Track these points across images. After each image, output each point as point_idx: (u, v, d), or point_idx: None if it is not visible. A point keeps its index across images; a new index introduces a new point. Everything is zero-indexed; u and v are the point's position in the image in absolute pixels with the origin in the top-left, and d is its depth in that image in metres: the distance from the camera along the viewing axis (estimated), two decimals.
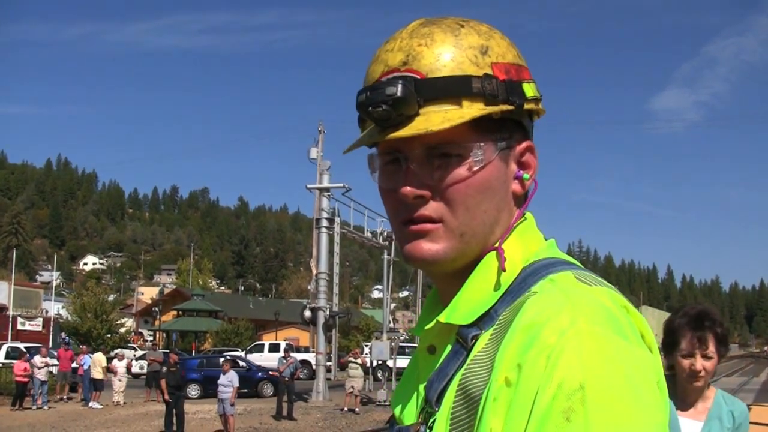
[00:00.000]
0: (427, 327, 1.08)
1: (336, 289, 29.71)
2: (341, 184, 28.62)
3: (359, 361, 24.24)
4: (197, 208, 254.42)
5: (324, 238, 28.06)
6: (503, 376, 0.90)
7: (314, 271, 28.61)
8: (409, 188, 1.03)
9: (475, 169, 1.03)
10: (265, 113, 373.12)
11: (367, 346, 37.75)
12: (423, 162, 1.04)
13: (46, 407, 23.86)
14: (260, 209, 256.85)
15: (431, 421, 1.01)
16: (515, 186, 1.09)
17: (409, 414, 1.11)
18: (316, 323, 27.86)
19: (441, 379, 1.02)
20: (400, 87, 1.00)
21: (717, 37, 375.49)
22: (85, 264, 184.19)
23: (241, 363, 31.07)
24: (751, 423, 2.96)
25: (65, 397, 26.47)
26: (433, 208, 1.04)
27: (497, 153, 1.05)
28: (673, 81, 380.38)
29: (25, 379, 23.82)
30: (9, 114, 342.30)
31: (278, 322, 60.63)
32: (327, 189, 28.23)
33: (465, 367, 0.99)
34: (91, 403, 24.38)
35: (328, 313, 27.68)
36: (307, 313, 27.95)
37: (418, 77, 1.02)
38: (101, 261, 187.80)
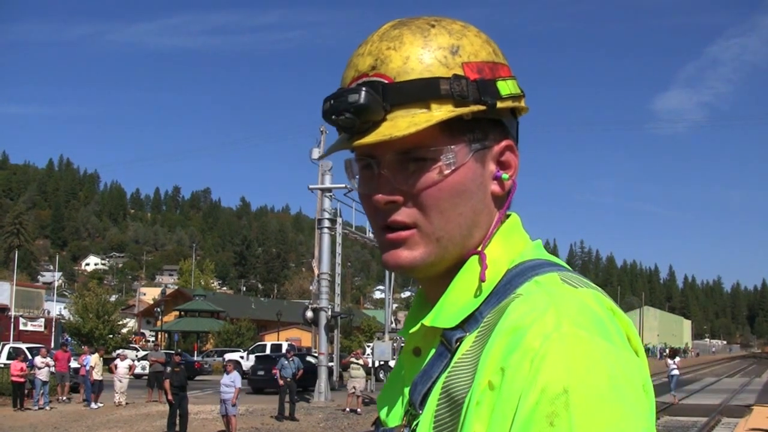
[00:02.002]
0: (412, 330, 1.08)
1: (338, 290, 29.72)
2: (343, 185, 28.55)
3: (361, 361, 24.24)
4: (199, 208, 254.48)
5: (326, 238, 28.08)
6: (486, 379, 0.89)
7: (316, 272, 28.64)
8: (380, 195, 1.02)
9: (446, 172, 1.01)
10: (266, 114, 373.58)
11: (369, 346, 37.79)
12: (395, 167, 1.02)
13: (47, 408, 23.87)
14: (262, 210, 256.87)
15: (415, 423, 1.00)
16: (494, 187, 1.07)
17: (395, 416, 1.10)
18: (318, 324, 27.87)
19: (425, 381, 1.01)
20: (362, 94, 0.98)
21: (720, 37, 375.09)
22: (87, 264, 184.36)
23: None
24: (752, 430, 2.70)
25: (66, 397, 26.48)
26: (406, 213, 1.02)
27: (471, 154, 1.03)
28: (676, 81, 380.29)
29: (21, 379, 23.79)
30: (11, 114, 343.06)
31: (280, 323, 60.63)
32: (329, 189, 28.25)
33: (449, 369, 0.98)
34: (92, 404, 24.40)
35: (330, 313, 27.70)
36: (309, 314, 27.96)
37: (386, 82, 1.00)
38: (103, 261, 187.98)
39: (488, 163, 1.06)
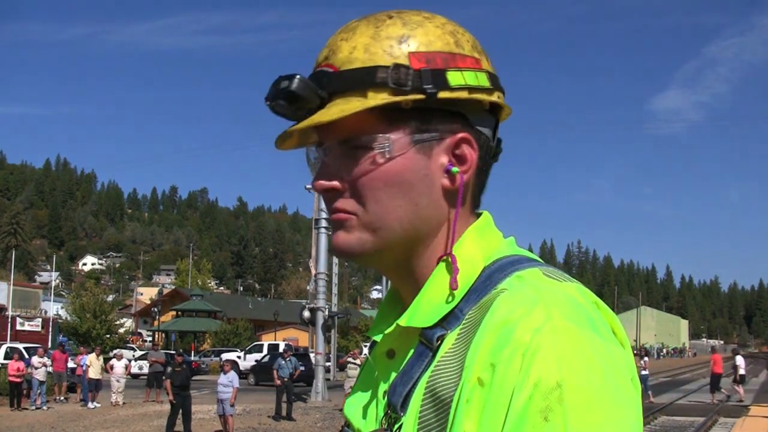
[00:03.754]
0: (387, 331, 1.04)
1: (335, 290, 29.77)
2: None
3: (358, 361, 24.20)
4: (196, 208, 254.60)
5: (323, 238, 28.07)
6: (476, 376, 0.87)
7: (313, 272, 28.62)
8: (319, 181, 1.03)
9: (380, 160, 0.99)
10: (264, 113, 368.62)
11: (365, 346, 37.76)
12: (338, 155, 1.02)
13: (44, 407, 23.84)
14: (259, 209, 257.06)
15: (396, 426, 0.97)
16: (444, 181, 1.02)
17: (368, 421, 1.07)
18: (315, 323, 27.85)
19: (405, 382, 0.98)
20: (294, 81, 0.99)
21: (718, 37, 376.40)
22: (84, 264, 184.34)
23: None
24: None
25: (63, 397, 26.46)
26: (346, 201, 1.02)
27: (413, 145, 1.00)
28: (674, 81, 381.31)
29: (18, 379, 23.74)
30: (8, 114, 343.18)
31: (277, 323, 60.63)
32: None
33: (432, 368, 0.95)
34: (89, 404, 24.37)
35: (327, 313, 27.68)
36: (306, 314, 27.94)
37: (332, 71, 1.01)
38: (100, 261, 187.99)
39: (437, 156, 1.01)
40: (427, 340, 0.98)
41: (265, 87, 0.98)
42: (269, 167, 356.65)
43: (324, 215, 28.03)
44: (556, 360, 0.83)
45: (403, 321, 1.01)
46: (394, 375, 1.02)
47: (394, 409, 0.98)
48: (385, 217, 1.00)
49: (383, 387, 1.04)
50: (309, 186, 28.50)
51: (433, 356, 0.97)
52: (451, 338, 0.96)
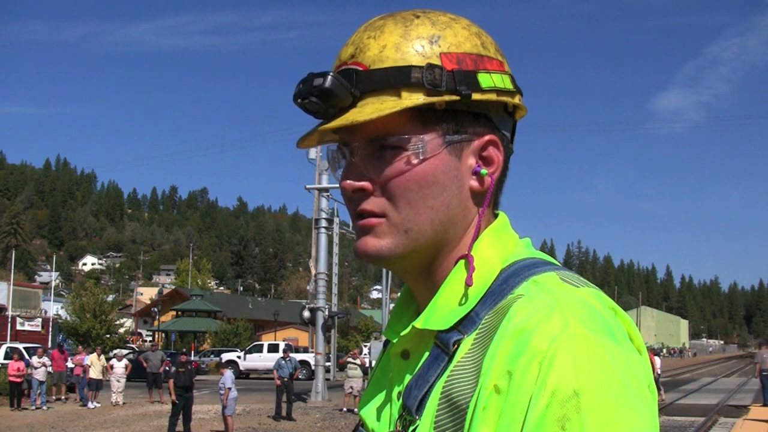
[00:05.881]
0: (403, 333, 1.03)
1: (335, 290, 29.72)
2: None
3: (358, 361, 24.21)
4: (196, 208, 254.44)
5: (323, 238, 28.07)
6: (492, 383, 0.87)
7: (313, 272, 28.61)
8: (348, 181, 1.01)
9: (414, 161, 0.98)
10: (264, 113, 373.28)
11: (366, 346, 37.80)
12: (368, 155, 1.01)
13: (44, 407, 23.85)
14: (259, 209, 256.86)
15: (411, 429, 0.96)
16: (473, 182, 1.02)
17: (383, 423, 1.06)
18: (315, 323, 27.86)
19: (421, 386, 0.97)
20: (328, 78, 0.98)
21: (719, 37, 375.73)
22: (84, 264, 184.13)
23: None
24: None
25: (63, 397, 26.46)
26: (375, 202, 1.01)
27: (445, 146, 1.00)
28: (675, 81, 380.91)
29: (19, 379, 23.75)
30: (8, 114, 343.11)
31: (277, 323, 60.65)
32: (326, 189, 28.22)
33: (448, 373, 0.94)
34: (89, 404, 24.37)
35: (327, 313, 27.68)
36: (306, 314, 27.94)
37: (361, 69, 1.00)
38: (100, 261, 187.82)
39: (467, 158, 1.02)
40: (443, 344, 0.97)
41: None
42: (269, 167, 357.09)
43: (324, 215, 28.04)
44: (573, 368, 0.83)
45: (419, 323, 1.00)
46: (408, 377, 1.01)
47: (410, 412, 0.97)
48: (417, 218, 0.99)
49: (398, 388, 1.03)
50: (310, 186, 28.54)
51: (449, 360, 0.96)
52: (468, 343, 0.95)
